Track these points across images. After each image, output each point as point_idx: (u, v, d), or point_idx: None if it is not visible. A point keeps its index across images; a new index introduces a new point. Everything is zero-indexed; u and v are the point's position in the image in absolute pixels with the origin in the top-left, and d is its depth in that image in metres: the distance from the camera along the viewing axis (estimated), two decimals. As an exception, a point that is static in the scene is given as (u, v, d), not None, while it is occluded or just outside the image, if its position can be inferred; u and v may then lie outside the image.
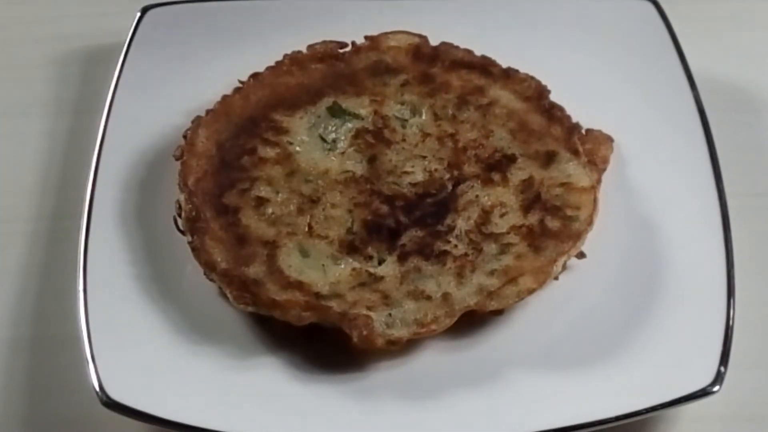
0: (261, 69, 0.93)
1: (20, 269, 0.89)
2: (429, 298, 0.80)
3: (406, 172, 0.87)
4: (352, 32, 0.96)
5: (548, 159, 0.87)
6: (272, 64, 0.93)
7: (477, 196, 0.85)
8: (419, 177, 0.87)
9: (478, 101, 0.91)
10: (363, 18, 0.96)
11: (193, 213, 0.84)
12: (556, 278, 0.82)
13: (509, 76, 0.92)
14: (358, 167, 0.88)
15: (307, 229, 0.83)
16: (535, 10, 1.01)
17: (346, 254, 0.82)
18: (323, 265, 0.82)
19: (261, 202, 0.85)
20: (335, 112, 0.91)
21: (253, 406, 0.77)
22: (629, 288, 0.83)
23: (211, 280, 0.82)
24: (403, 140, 0.89)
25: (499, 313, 0.81)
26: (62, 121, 1.00)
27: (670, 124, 0.92)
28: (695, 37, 0.98)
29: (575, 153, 0.87)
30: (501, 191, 0.86)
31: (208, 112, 0.91)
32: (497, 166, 0.87)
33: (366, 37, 0.95)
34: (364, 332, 0.77)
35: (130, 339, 0.79)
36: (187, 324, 0.81)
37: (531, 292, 0.80)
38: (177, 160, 0.87)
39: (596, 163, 0.87)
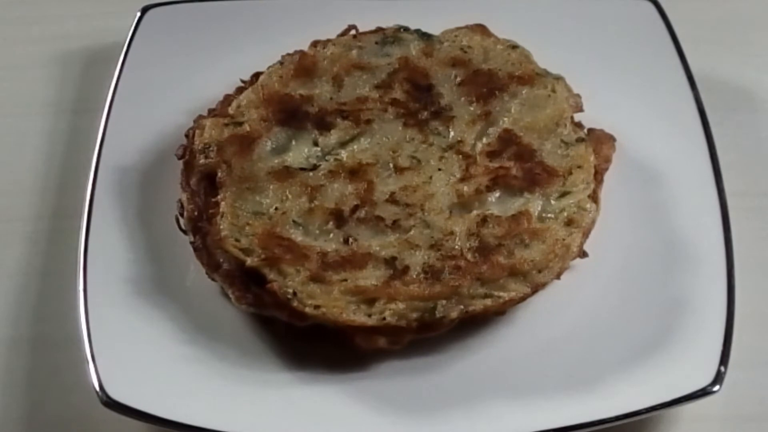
0: (261, 69, 0.93)
1: (20, 269, 0.89)
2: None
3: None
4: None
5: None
6: (272, 64, 0.93)
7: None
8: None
9: None
10: (364, 17, 0.96)
11: (195, 212, 0.84)
12: (558, 278, 0.82)
13: None
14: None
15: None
16: (536, 10, 1.01)
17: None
18: None
19: None
20: None
21: (253, 406, 0.77)
22: (630, 287, 0.83)
23: (213, 279, 0.82)
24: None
25: (501, 313, 0.81)
26: (62, 121, 1.00)
27: (671, 123, 0.92)
28: (695, 37, 0.98)
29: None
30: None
31: (209, 111, 0.91)
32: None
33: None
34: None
35: (130, 339, 0.80)
36: (188, 324, 0.81)
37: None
38: (179, 159, 0.88)
39: (599, 162, 0.87)
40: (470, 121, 0.89)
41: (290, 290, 0.79)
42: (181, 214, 0.85)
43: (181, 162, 0.88)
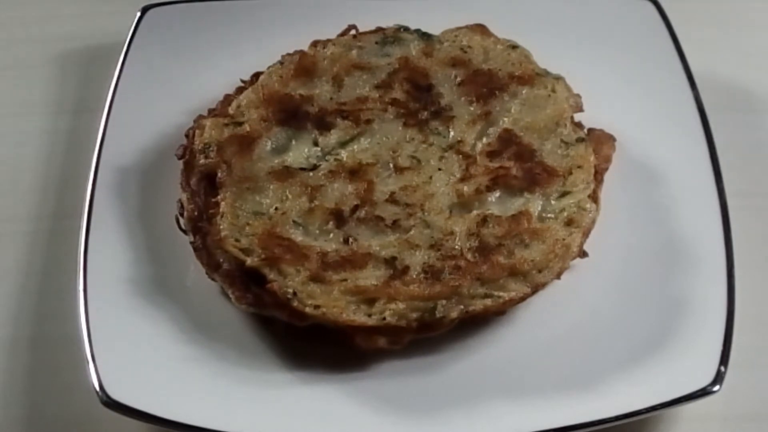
0: (261, 69, 0.93)
1: (20, 269, 0.89)
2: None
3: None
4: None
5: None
6: (272, 64, 0.93)
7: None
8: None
9: None
10: (364, 17, 0.96)
11: (195, 212, 0.84)
12: (558, 278, 0.82)
13: None
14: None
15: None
16: (536, 10, 1.01)
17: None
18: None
19: None
20: None
21: (253, 406, 0.77)
22: (630, 287, 0.83)
23: (213, 279, 0.82)
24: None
25: (501, 313, 0.81)
26: (62, 121, 1.00)
27: (671, 123, 0.92)
28: (695, 37, 0.98)
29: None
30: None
31: (209, 111, 0.91)
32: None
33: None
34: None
35: (130, 339, 0.80)
36: (188, 324, 0.81)
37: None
38: (179, 159, 0.88)
39: (599, 162, 0.87)
40: (470, 121, 0.89)
41: (290, 290, 0.79)
42: (181, 214, 0.85)
43: (181, 162, 0.88)
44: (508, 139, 0.88)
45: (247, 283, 0.80)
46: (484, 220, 0.82)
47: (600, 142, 0.89)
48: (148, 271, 0.84)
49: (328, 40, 0.94)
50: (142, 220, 0.87)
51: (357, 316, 0.78)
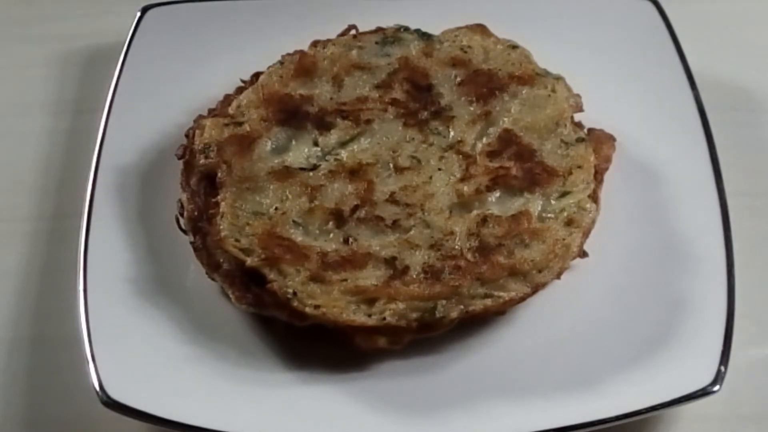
0: (261, 69, 0.93)
1: (20, 269, 0.89)
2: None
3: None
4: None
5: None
6: (272, 64, 0.93)
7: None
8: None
9: None
10: (364, 17, 0.96)
11: (195, 212, 0.84)
12: (558, 278, 0.82)
13: None
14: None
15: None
16: (536, 10, 1.01)
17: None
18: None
19: None
20: None
21: (253, 406, 0.77)
22: (630, 287, 0.83)
23: (213, 279, 0.82)
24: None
25: (501, 313, 0.81)
26: (62, 121, 1.00)
27: (671, 123, 0.92)
28: (695, 37, 0.98)
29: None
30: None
31: (209, 111, 0.91)
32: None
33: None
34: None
35: (130, 339, 0.80)
36: (188, 324, 0.81)
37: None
38: (179, 159, 0.88)
39: (599, 162, 0.87)
40: (470, 121, 0.89)
41: (290, 290, 0.79)
42: (181, 214, 0.85)
43: (181, 162, 0.88)
44: (508, 139, 0.88)
45: (247, 283, 0.80)
46: (484, 220, 0.83)
47: (600, 142, 0.89)
48: (148, 271, 0.84)
49: (328, 40, 0.94)
50: (142, 220, 0.87)
51: (357, 316, 0.78)
